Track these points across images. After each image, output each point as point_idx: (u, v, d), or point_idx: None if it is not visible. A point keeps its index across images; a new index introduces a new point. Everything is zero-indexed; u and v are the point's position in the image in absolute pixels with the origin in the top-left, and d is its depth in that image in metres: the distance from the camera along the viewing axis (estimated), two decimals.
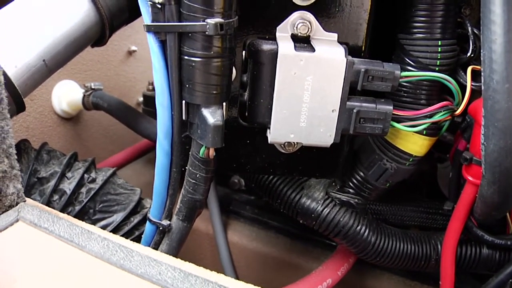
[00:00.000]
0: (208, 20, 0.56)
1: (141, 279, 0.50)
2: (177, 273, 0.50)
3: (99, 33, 0.82)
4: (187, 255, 0.55)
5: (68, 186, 0.84)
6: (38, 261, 0.56)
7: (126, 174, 1.30)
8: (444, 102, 0.72)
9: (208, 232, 1.21)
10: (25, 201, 0.65)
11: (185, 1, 0.57)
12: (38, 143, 0.89)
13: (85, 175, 0.86)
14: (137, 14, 0.85)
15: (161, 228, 0.72)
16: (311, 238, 1.15)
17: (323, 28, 0.67)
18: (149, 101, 1.33)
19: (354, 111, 0.67)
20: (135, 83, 1.51)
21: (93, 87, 1.23)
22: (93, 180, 0.86)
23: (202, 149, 0.64)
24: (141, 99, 1.48)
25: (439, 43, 0.70)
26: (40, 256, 0.57)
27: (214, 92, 0.60)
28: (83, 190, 0.85)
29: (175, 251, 0.73)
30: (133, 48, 1.47)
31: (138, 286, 0.49)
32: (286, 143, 0.70)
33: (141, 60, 1.51)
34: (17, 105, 0.73)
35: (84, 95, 1.22)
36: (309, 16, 0.66)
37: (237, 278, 1.11)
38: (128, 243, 0.56)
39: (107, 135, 1.42)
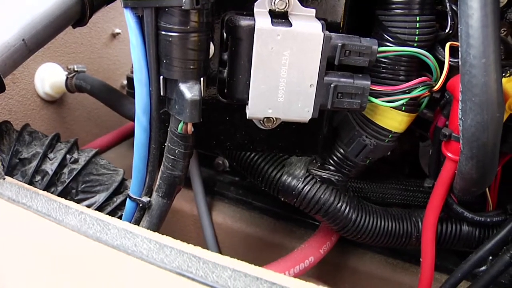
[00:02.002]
0: None
1: (117, 251, 0.50)
2: (152, 244, 0.50)
3: (79, 12, 0.81)
4: (172, 236, 0.54)
5: (50, 166, 0.83)
6: (16, 236, 0.56)
7: (110, 157, 1.29)
8: (422, 78, 0.72)
9: (192, 213, 1.22)
10: (4, 178, 0.65)
11: None
12: (22, 126, 0.88)
13: (67, 156, 0.86)
14: None
15: (141, 205, 0.72)
16: (295, 218, 1.15)
17: (301, 4, 0.67)
18: (133, 83, 1.32)
19: (332, 86, 0.67)
20: (119, 65, 1.50)
21: (76, 69, 1.22)
22: (76, 161, 0.86)
23: (180, 124, 0.64)
24: (125, 81, 1.47)
25: (418, 19, 0.70)
26: (18, 230, 0.57)
27: (192, 67, 0.60)
28: (65, 170, 0.85)
29: (156, 228, 0.73)
30: (117, 30, 1.46)
31: (114, 257, 0.50)
32: (265, 119, 0.70)
33: (125, 43, 1.50)
34: None
35: (67, 78, 1.21)
36: None
37: None
38: (105, 217, 0.56)
39: (91, 118, 1.41)
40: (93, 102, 1.26)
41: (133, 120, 1.12)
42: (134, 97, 0.67)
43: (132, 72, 1.35)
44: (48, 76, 1.22)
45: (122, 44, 1.49)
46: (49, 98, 1.25)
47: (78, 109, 1.36)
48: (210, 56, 0.67)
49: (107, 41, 1.43)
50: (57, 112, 1.29)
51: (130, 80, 1.32)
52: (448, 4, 0.73)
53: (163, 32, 0.59)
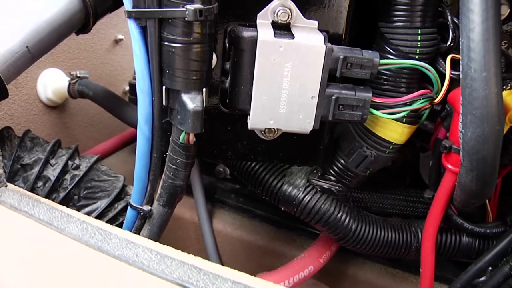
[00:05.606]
0: (188, 6, 0.56)
1: (118, 261, 0.50)
2: (153, 255, 0.51)
3: (83, 20, 0.81)
4: (172, 244, 0.55)
5: (52, 172, 0.84)
6: (17, 244, 0.57)
7: (111, 162, 1.29)
8: (423, 90, 0.72)
9: (193, 221, 1.22)
10: (6, 186, 0.65)
11: None
12: (23, 131, 0.89)
13: (69, 162, 0.86)
14: (121, 1, 0.84)
15: (142, 213, 0.73)
16: (295, 226, 1.16)
17: (304, 16, 0.67)
18: (135, 90, 1.32)
19: (333, 98, 0.67)
20: (121, 71, 1.50)
21: (78, 75, 1.22)
22: (77, 167, 0.87)
23: (182, 134, 0.65)
24: (127, 88, 1.48)
25: (419, 32, 0.71)
26: (20, 238, 0.57)
27: (194, 78, 0.61)
28: (67, 176, 0.85)
29: (156, 236, 0.73)
30: (120, 36, 1.46)
31: (115, 267, 0.50)
32: (266, 130, 0.71)
33: (128, 49, 1.50)
34: (0, 91, 0.72)
35: (69, 83, 1.21)
36: (290, 3, 0.66)
37: (221, 265, 1.11)
38: (107, 226, 0.56)
39: (93, 124, 1.41)
40: (94, 108, 1.26)
41: (134, 127, 1.13)
42: (136, 104, 0.67)
43: (134, 79, 1.35)
44: (51, 82, 1.22)
45: (124, 50, 1.50)
46: (51, 103, 1.25)
47: (80, 114, 1.36)
48: (212, 66, 0.67)
49: (110, 47, 1.44)
50: (59, 117, 1.29)
51: (132, 87, 1.33)
52: (449, 17, 0.74)
53: (166, 43, 0.60)
